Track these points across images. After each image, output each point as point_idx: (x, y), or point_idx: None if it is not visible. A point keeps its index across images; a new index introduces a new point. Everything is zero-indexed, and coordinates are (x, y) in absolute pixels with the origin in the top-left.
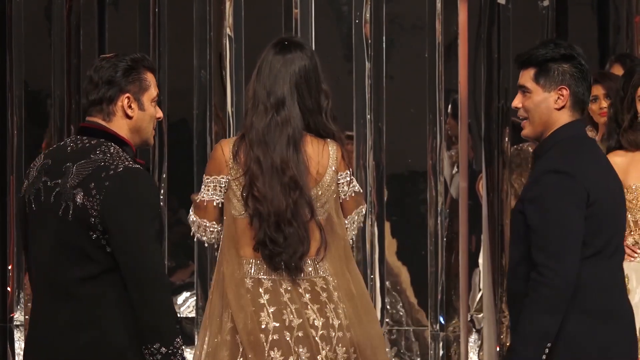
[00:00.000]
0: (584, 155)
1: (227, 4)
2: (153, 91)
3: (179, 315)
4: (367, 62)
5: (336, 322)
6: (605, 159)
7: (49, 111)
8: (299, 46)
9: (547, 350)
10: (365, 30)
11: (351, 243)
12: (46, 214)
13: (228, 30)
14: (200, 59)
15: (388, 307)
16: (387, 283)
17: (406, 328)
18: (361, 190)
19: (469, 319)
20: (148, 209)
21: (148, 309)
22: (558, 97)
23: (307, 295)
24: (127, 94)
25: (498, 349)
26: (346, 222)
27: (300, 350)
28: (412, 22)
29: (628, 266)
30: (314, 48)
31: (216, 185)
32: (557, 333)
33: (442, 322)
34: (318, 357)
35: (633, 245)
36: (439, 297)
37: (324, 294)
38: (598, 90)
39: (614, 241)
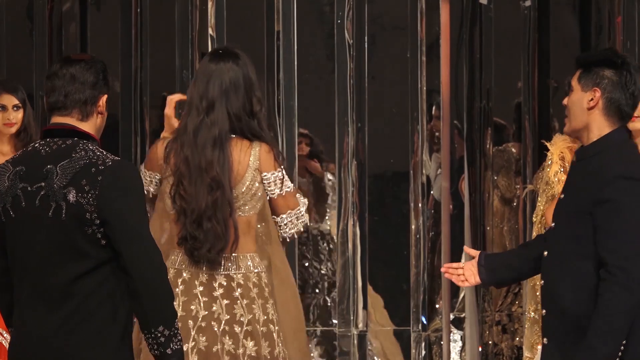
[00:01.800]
0: None
1: (210, 4)
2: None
3: None
4: (349, 62)
5: (261, 317)
6: None
7: None
8: (233, 55)
9: (622, 347)
10: (347, 30)
11: (293, 239)
12: (31, 218)
13: (210, 30)
14: (183, 59)
15: (370, 307)
16: (369, 283)
17: (388, 328)
18: (292, 190)
19: (451, 320)
20: (141, 198)
21: (153, 294)
22: (591, 98)
23: (220, 290)
24: (106, 95)
25: (480, 349)
26: (278, 219)
27: (201, 338)
28: (394, 22)
29: None
30: (296, 48)
31: (152, 180)
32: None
33: (424, 322)
34: (214, 347)
35: None
36: (421, 297)
37: (240, 290)
38: None
39: None
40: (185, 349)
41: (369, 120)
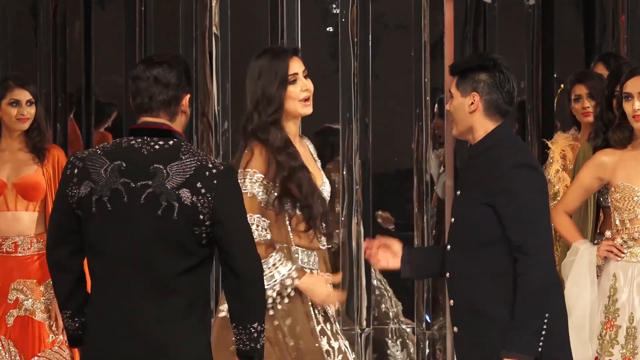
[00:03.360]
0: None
1: (214, 2)
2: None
3: None
4: (353, 61)
5: None
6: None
7: None
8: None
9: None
10: (352, 29)
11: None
12: (134, 214)
13: (214, 28)
14: (187, 57)
15: (374, 305)
16: (373, 281)
17: (392, 326)
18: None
19: None
20: (244, 201)
21: (255, 291)
22: (471, 102)
23: None
24: (189, 95)
25: None
26: None
27: None
28: (398, 20)
29: (616, 265)
30: (300, 46)
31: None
32: None
33: (428, 320)
34: None
35: (621, 245)
36: (425, 295)
37: None
38: (581, 89)
39: None
40: None
41: (372, 118)
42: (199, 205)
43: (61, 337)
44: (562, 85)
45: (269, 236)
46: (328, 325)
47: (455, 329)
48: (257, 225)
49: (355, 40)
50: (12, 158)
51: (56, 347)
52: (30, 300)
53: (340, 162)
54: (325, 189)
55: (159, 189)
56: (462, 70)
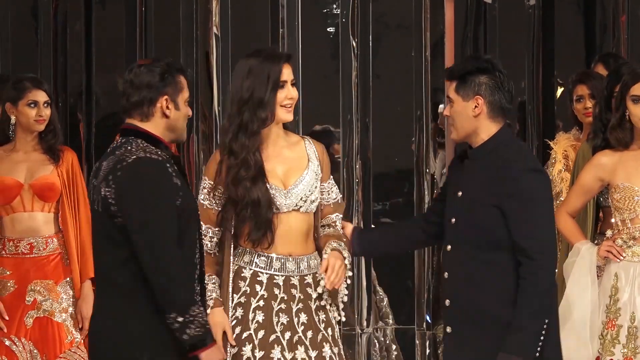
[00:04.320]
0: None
1: (214, 3)
2: (186, 92)
3: None
4: (353, 61)
5: None
6: None
7: None
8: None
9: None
10: (352, 29)
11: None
12: (92, 210)
13: (215, 29)
14: (187, 57)
15: (375, 305)
16: (374, 282)
17: (393, 327)
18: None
19: None
20: (155, 192)
21: (159, 282)
22: (475, 105)
23: None
24: (166, 96)
25: None
26: None
27: None
28: (399, 21)
29: (617, 265)
30: (301, 47)
31: None
32: None
33: (429, 320)
34: None
35: (620, 246)
36: (426, 296)
37: None
38: (583, 90)
39: None
40: None
41: (373, 119)
42: (109, 196)
43: (79, 337)
44: (560, 87)
45: (212, 249)
46: (263, 333)
47: (449, 329)
48: (205, 235)
49: (356, 40)
50: (27, 159)
51: (74, 348)
52: (48, 301)
53: (341, 162)
54: (295, 191)
55: (96, 186)
56: (461, 75)
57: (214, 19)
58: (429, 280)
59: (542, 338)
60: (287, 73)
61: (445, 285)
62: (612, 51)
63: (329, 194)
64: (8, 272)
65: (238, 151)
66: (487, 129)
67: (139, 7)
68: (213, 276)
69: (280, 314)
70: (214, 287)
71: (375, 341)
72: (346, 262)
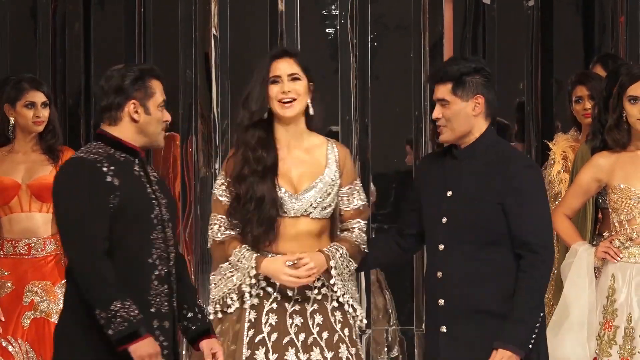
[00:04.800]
0: None
1: (213, 3)
2: (159, 97)
3: None
4: (352, 62)
5: None
6: None
7: None
8: None
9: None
10: (351, 30)
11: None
12: None
13: (214, 30)
14: (186, 58)
15: (373, 307)
16: (373, 283)
17: (392, 328)
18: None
19: None
20: (77, 191)
21: (80, 279)
22: (475, 105)
23: None
24: (133, 100)
25: None
26: None
27: None
28: (397, 21)
29: (614, 266)
30: (299, 48)
31: None
32: None
33: None
34: None
35: (617, 247)
36: (424, 297)
37: None
38: (582, 91)
39: None
40: None
41: (372, 119)
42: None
43: None
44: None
45: (233, 232)
46: (276, 336)
47: (444, 328)
48: (220, 226)
49: (355, 41)
50: (26, 159)
51: None
52: (45, 302)
53: None
54: (306, 197)
55: None
56: (458, 76)
57: (213, 19)
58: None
59: (536, 331)
60: (281, 68)
61: (438, 284)
62: (610, 52)
63: (348, 200)
64: (6, 273)
65: (239, 147)
66: (479, 127)
67: (137, 8)
68: (243, 246)
69: (294, 315)
70: (247, 251)
71: (374, 342)
72: (332, 272)
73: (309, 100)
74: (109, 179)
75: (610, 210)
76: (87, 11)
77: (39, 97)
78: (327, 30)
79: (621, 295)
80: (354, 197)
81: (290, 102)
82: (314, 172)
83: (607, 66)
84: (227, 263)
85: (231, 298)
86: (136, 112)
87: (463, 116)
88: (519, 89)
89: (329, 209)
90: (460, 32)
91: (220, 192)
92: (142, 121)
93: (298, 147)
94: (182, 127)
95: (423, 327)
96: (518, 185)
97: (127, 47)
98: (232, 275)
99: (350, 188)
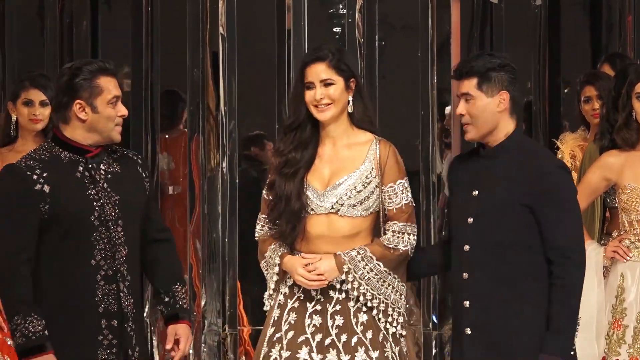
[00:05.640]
0: None
1: (220, 3)
2: (107, 94)
3: None
4: (359, 62)
5: None
6: None
7: None
8: None
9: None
10: (358, 30)
11: None
12: None
13: (221, 29)
14: (194, 57)
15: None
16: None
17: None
18: None
19: None
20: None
21: None
22: (500, 101)
23: None
24: (78, 100)
25: None
26: None
27: None
28: (405, 21)
29: (624, 265)
30: (307, 47)
31: None
32: None
33: (435, 321)
34: None
35: (627, 246)
36: (432, 296)
37: None
38: (590, 91)
39: None
40: None
41: (379, 119)
42: None
43: None
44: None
45: (271, 230)
46: (292, 334)
47: (469, 330)
48: (262, 224)
49: (362, 41)
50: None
51: None
52: None
53: None
54: (333, 193)
55: None
56: (484, 71)
57: (220, 19)
58: (435, 280)
59: (576, 335)
60: (313, 74)
61: (463, 286)
62: (618, 51)
63: (389, 199)
64: None
65: (280, 150)
66: (505, 126)
67: (145, 7)
68: (277, 243)
69: (313, 315)
70: (278, 248)
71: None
72: (348, 277)
73: (350, 97)
74: (38, 187)
75: (619, 210)
76: (94, 10)
77: (38, 96)
78: (334, 30)
79: (630, 295)
80: (397, 196)
81: (325, 106)
82: (348, 167)
83: (615, 66)
84: (263, 260)
85: (269, 294)
86: (83, 111)
87: (488, 112)
88: (527, 88)
89: (360, 208)
90: (468, 31)
91: (265, 191)
92: (90, 120)
93: (343, 144)
94: (190, 126)
95: (430, 326)
96: (550, 187)
97: (135, 46)
98: (266, 273)
99: (391, 187)
